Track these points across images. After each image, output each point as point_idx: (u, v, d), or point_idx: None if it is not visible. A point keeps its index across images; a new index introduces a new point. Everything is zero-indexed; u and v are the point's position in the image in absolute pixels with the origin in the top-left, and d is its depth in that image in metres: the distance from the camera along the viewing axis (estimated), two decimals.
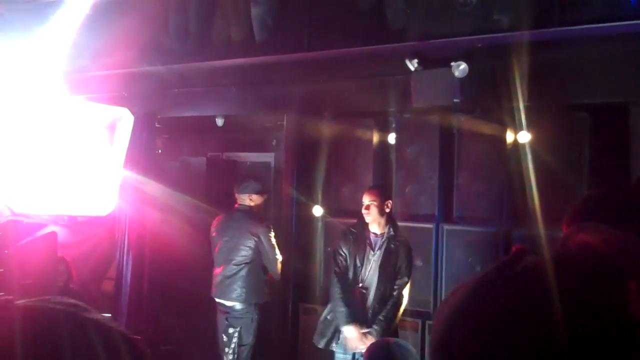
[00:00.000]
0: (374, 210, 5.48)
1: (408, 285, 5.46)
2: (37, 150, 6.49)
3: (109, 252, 8.16)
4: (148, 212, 7.54)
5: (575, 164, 5.54)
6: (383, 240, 5.51)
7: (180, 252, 7.35)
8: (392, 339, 4.79)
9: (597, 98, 5.40)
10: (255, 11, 6.49)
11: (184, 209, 7.56)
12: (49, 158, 6.59)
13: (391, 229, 5.53)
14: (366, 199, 5.52)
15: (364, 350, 5.37)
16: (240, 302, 6.35)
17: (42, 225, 6.20)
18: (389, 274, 5.43)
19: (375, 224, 5.55)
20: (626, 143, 5.53)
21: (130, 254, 7.64)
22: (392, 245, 5.47)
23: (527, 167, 5.50)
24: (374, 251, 5.52)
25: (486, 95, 5.64)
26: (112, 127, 7.17)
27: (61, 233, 7.10)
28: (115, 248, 7.86)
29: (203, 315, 7.56)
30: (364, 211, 5.52)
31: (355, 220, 5.69)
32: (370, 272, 5.51)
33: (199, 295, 7.42)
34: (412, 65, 5.67)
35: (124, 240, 7.67)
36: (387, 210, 5.53)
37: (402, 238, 5.53)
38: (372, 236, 5.56)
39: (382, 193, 5.57)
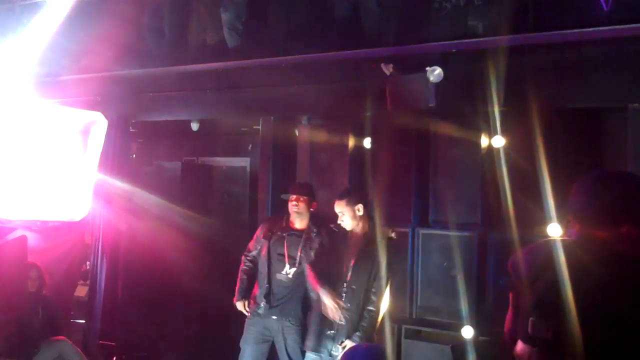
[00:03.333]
0: (346, 219, 5.49)
1: (385, 289, 5.41)
2: (8, 155, 6.41)
3: (82, 258, 8.07)
4: (122, 217, 7.47)
5: (549, 169, 5.58)
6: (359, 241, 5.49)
7: (155, 258, 7.29)
8: (366, 344, 4.79)
9: (571, 102, 5.45)
10: (224, 17, 6.49)
11: (159, 214, 7.50)
12: (21, 163, 6.51)
13: (368, 231, 5.50)
14: (336, 209, 5.54)
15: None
16: None
17: (12, 230, 6.12)
18: (364, 275, 5.39)
19: (354, 228, 5.54)
20: (600, 146, 5.59)
21: (105, 259, 7.56)
22: (369, 248, 5.42)
23: (502, 171, 5.53)
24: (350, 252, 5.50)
25: (461, 99, 5.66)
26: (85, 132, 7.11)
27: (33, 238, 7.01)
28: (89, 253, 7.78)
29: (178, 321, 7.50)
30: (339, 222, 5.53)
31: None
32: (350, 273, 5.46)
33: (175, 301, 7.37)
34: (388, 70, 5.68)
35: (98, 245, 7.59)
36: (360, 213, 5.49)
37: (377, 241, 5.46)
38: (350, 235, 5.56)
39: (350, 201, 5.51)
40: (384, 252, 5.38)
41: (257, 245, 6.13)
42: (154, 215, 7.45)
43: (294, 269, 5.93)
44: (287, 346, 5.89)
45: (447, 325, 5.86)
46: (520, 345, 1.54)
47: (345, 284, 5.43)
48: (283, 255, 5.97)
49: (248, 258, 6.16)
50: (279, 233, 6.05)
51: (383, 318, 5.47)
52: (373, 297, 5.37)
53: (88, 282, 7.82)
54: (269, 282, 5.97)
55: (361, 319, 5.36)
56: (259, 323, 6.00)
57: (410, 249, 6.20)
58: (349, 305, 5.37)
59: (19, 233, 6.71)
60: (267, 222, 6.28)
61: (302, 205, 5.98)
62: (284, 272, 5.95)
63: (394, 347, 6.09)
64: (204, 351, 7.41)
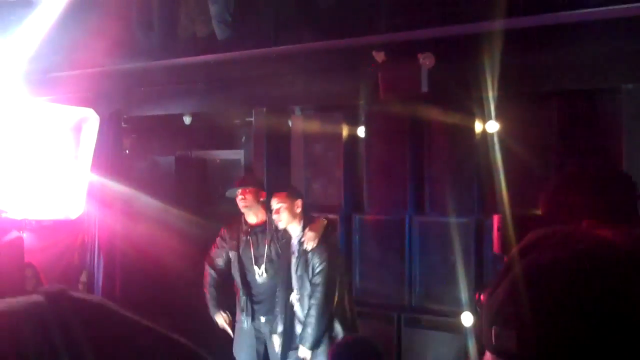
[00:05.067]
0: (284, 214, 5.27)
1: (328, 283, 5.18)
2: (0, 154, 6.39)
3: (79, 257, 8.07)
4: (118, 214, 7.46)
5: (543, 152, 5.60)
6: (297, 244, 5.32)
7: (152, 256, 7.29)
8: (351, 337, 4.80)
9: (564, 85, 5.46)
10: (213, 9, 6.47)
11: (154, 211, 7.49)
12: (13, 161, 6.50)
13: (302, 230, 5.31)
14: (274, 203, 5.31)
15: None
16: None
17: (7, 231, 6.11)
18: (305, 279, 5.22)
19: (290, 227, 5.35)
20: (595, 130, 5.60)
21: (102, 258, 7.56)
22: (302, 249, 5.26)
23: (497, 156, 5.54)
24: (295, 256, 5.34)
25: (454, 85, 5.67)
26: (77, 129, 7.09)
27: (28, 238, 7.00)
28: (84, 252, 7.78)
29: (177, 320, 7.51)
30: (274, 216, 5.32)
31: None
32: (295, 279, 5.33)
33: (173, 300, 7.36)
34: (379, 57, 5.68)
35: (94, 244, 7.59)
36: (298, 210, 5.30)
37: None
38: (292, 241, 5.41)
39: (291, 194, 5.34)
40: (323, 253, 5.18)
41: (223, 254, 5.87)
42: (149, 212, 7.44)
43: (264, 268, 5.69)
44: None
45: (447, 312, 5.89)
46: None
47: (295, 291, 5.34)
48: (251, 258, 5.74)
49: (215, 270, 5.90)
50: (243, 238, 5.78)
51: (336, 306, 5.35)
52: (313, 297, 5.16)
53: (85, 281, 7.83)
54: (247, 293, 5.76)
55: (306, 321, 5.22)
56: (248, 330, 5.84)
57: (408, 236, 6.22)
58: (299, 314, 5.30)
59: (14, 234, 6.70)
60: (227, 230, 5.91)
61: (249, 197, 5.67)
62: (257, 275, 5.72)
63: (394, 336, 6.12)
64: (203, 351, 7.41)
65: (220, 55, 6.67)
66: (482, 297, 2.04)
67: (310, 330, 5.14)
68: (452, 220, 5.90)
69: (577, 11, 5.02)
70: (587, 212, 2.09)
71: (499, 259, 4.61)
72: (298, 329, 5.33)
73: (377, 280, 6.38)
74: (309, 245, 5.20)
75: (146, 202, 7.51)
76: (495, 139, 5.60)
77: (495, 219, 2.71)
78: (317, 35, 6.18)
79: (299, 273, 5.26)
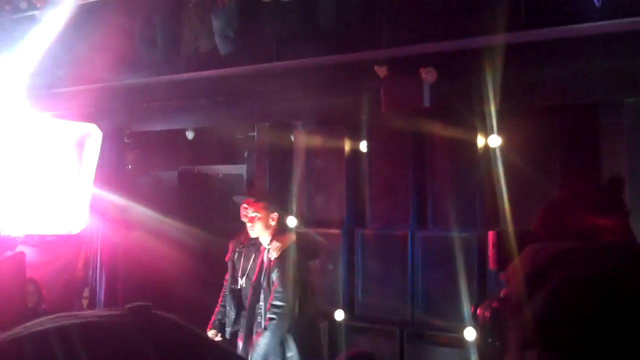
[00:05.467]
0: (258, 224, 5.24)
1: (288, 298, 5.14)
2: (3, 169, 6.41)
3: (81, 272, 8.07)
4: (120, 229, 7.47)
5: (546, 166, 5.60)
6: (266, 255, 5.30)
7: (154, 271, 7.29)
8: (354, 351, 4.78)
9: (566, 99, 5.47)
10: (216, 24, 6.50)
11: (157, 226, 7.50)
12: (16, 177, 6.51)
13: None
14: (250, 211, 5.28)
15: None
16: None
17: (10, 246, 6.11)
18: (267, 292, 5.19)
19: (262, 238, 5.31)
20: (596, 144, 5.60)
21: (103, 272, 7.57)
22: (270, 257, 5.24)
23: (499, 171, 5.54)
24: (263, 268, 5.32)
25: (456, 99, 5.68)
26: (80, 144, 7.11)
27: (30, 253, 7.01)
28: (87, 267, 7.78)
29: None
30: (248, 224, 5.30)
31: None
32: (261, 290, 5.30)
33: (176, 313, 7.34)
34: (382, 72, 5.70)
35: (96, 258, 7.59)
36: (273, 223, 5.25)
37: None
38: (261, 251, 5.38)
39: (268, 206, 5.28)
40: (282, 267, 5.15)
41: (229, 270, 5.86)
42: (152, 227, 7.44)
43: (244, 279, 5.65)
44: None
45: (449, 328, 5.87)
46: None
47: (261, 302, 5.31)
48: (239, 269, 5.73)
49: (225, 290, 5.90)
50: (237, 249, 5.79)
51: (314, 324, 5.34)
52: (269, 315, 5.12)
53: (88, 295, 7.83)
54: (229, 303, 5.76)
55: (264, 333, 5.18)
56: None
57: (410, 251, 6.21)
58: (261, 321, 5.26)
59: (17, 249, 6.71)
60: (231, 242, 5.95)
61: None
62: (239, 286, 5.70)
63: (396, 351, 6.10)
64: None
65: (223, 71, 6.70)
66: (478, 311, 2.04)
67: (262, 344, 5.10)
68: (455, 235, 5.89)
69: (578, 25, 5.04)
70: (579, 231, 2.11)
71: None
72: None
73: (379, 295, 6.36)
74: (272, 255, 5.19)
75: (148, 216, 7.52)
76: (498, 154, 5.60)
77: (490, 235, 2.70)
78: (320, 50, 6.21)
79: (264, 285, 5.24)
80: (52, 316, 0.86)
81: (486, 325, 2.00)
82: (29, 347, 0.77)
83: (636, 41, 4.94)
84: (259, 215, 5.23)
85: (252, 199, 5.38)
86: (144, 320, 0.83)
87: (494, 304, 1.99)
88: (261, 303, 5.29)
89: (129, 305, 0.86)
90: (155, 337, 0.81)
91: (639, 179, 5.04)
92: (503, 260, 2.46)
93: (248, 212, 5.31)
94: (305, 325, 5.26)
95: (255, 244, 5.62)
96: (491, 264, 2.53)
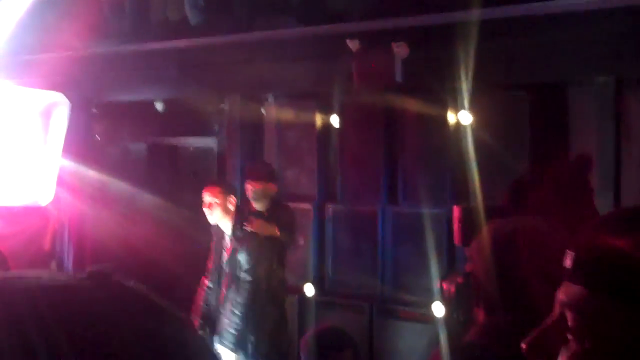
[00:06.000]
0: (216, 210, 5.22)
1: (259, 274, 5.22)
2: None
3: (49, 244, 7.98)
4: (88, 201, 7.38)
5: (516, 144, 5.62)
6: (229, 240, 5.31)
7: (123, 243, 7.23)
8: (324, 327, 4.81)
9: (537, 78, 5.48)
10: None
11: (126, 198, 7.43)
12: None
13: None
14: (207, 197, 5.24)
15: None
16: None
17: None
18: (235, 274, 5.22)
19: (223, 224, 5.31)
20: (566, 122, 5.62)
21: (71, 245, 7.49)
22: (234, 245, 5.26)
23: (469, 148, 5.55)
24: (225, 254, 5.35)
25: (429, 75, 5.66)
26: (47, 114, 6.97)
27: None
28: (55, 239, 7.69)
29: None
30: (205, 210, 5.27)
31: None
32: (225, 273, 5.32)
33: (142, 284, 7.31)
34: (354, 45, 5.65)
35: (64, 231, 7.51)
36: (232, 207, 5.25)
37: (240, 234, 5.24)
38: (225, 237, 5.37)
39: (225, 189, 5.29)
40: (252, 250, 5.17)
41: None
42: (120, 199, 7.37)
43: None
44: None
45: (418, 303, 5.90)
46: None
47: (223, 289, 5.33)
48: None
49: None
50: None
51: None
52: (239, 300, 5.18)
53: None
54: None
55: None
56: None
57: (381, 227, 6.22)
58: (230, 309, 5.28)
59: None
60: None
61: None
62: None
63: (366, 325, 6.13)
64: None
65: (193, 41, 6.60)
66: (444, 285, 2.05)
67: (232, 331, 5.13)
68: (425, 211, 5.90)
69: (550, 3, 5.02)
70: (542, 208, 2.12)
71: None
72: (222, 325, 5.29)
73: (349, 270, 6.38)
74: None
75: (117, 189, 7.44)
76: (469, 131, 5.61)
77: (456, 210, 2.69)
78: (291, 23, 6.14)
79: (227, 270, 5.23)
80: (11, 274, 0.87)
81: (451, 299, 2.01)
82: None
83: (607, 20, 4.94)
84: (216, 200, 5.18)
85: (217, 187, 5.31)
86: (102, 285, 0.83)
87: (459, 279, 1.99)
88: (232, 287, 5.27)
89: (88, 270, 0.87)
90: (112, 302, 0.81)
91: (607, 159, 5.08)
92: (468, 235, 2.46)
93: (205, 198, 5.22)
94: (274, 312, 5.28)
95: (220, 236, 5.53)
96: (456, 239, 2.54)
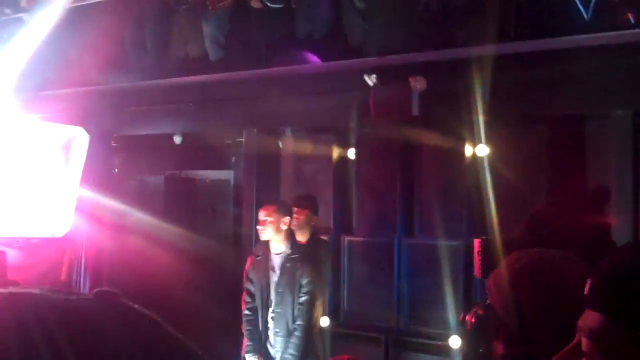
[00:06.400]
0: (269, 228, 5.29)
1: (316, 303, 5.28)
2: None
3: (65, 276, 8.02)
4: (105, 233, 7.44)
5: (533, 176, 5.63)
6: (281, 260, 5.33)
7: (139, 275, 7.26)
8: (344, 357, 4.80)
9: (554, 110, 5.51)
10: (206, 30, 6.51)
11: (143, 230, 7.47)
12: (1, 178, 6.48)
13: (289, 247, 5.32)
14: (261, 215, 5.35)
15: None
16: None
17: None
18: (287, 295, 5.23)
19: (273, 243, 5.36)
20: (583, 155, 5.64)
21: (88, 276, 7.53)
22: (288, 264, 5.28)
23: (486, 180, 5.57)
24: (275, 273, 5.35)
25: (445, 109, 5.71)
26: (67, 147, 7.08)
27: (15, 256, 6.96)
28: (72, 271, 7.73)
29: None
30: (258, 227, 5.38)
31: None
32: (274, 296, 5.33)
33: (158, 314, 7.32)
34: (371, 80, 5.72)
35: (81, 262, 7.55)
36: (284, 227, 5.31)
37: (299, 255, 5.30)
38: (272, 257, 5.39)
39: (279, 209, 5.36)
40: (303, 267, 5.24)
41: None
42: (137, 231, 7.42)
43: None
44: None
45: (435, 336, 5.88)
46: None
47: (271, 309, 5.33)
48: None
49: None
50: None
51: (318, 329, 5.40)
52: (298, 316, 5.20)
53: None
54: None
55: (289, 340, 5.22)
56: None
57: (397, 259, 6.22)
58: (277, 330, 5.28)
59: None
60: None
61: (301, 218, 5.71)
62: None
63: (381, 357, 6.10)
64: None
65: (212, 76, 6.71)
66: (467, 317, 2.06)
67: (292, 351, 5.15)
68: (442, 243, 5.91)
69: (567, 37, 5.08)
70: (559, 240, 2.14)
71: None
72: (272, 348, 5.31)
73: (365, 302, 6.37)
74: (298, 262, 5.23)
75: (134, 220, 7.50)
76: (485, 163, 5.63)
77: (476, 243, 2.72)
78: (309, 58, 6.23)
79: (280, 290, 5.25)
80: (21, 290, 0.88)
81: (472, 331, 2.02)
82: None
83: (625, 54, 4.98)
84: (270, 219, 5.28)
85: (272, 206, 5.40)
86: (108, 305, 0.86)
87: (480, 311, 2.01)
88: (272, 312, 5.31)
89: (95, 290, 0.89)
90: (117, 320, 0.84)
91: (625, 191, 5.08)
92: (487, 267, 2.48)
93: (259, 215, 5.37)
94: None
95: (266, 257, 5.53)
96: (476, 272, 2.56)
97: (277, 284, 5.29)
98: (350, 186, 6.63)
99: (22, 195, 6.70)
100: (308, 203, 5.82)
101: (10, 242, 6.98)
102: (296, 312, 5.20)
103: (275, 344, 5.29)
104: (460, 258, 5.85)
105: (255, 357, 5.32)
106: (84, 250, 7.54)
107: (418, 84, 5.56)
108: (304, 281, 5.20)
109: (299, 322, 5.18)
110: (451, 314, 5.67)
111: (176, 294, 7.06)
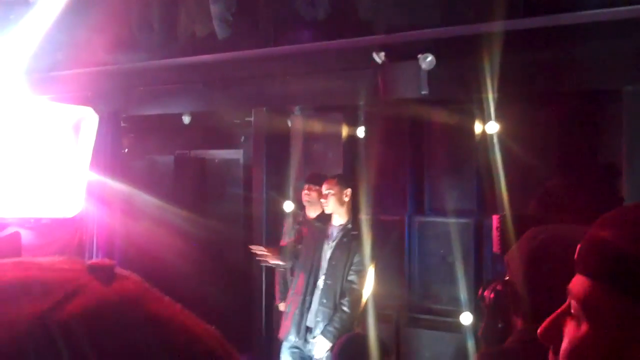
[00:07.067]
0: (331, 200, 5.47)
1: (366, 283, 5.37)
2: None
3: (77, 256, 8.05)
4: (116, 213, 7.46)
5: (544, 153, 5.61)
6: (339, 232, 5.48)
7: (150, 256, 7.28)
8: (358, 333, 4.84)
9: (565, 87, 5.46)
10: (213, 8, 6.46)
11: (153, 210, 7.49)
12: (12, 159, 6.49)
13: (351, 221, 5.49)
14: (324, 188, 5.54)
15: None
16: None
17: (4, 227, 6.10)
18: (339, 269, 5.35)
19: (336, 215, 5.53)
20: (595, 132, 5.61)
21: (99, 257, 7.56)
22: (345, 239, 5.41)
23: (496, 158, 5.55)
24: (329, 244, 5.49)
25: (454, 87, 5.67)
26: (76, 128, 7.07)
27: (27, 236, 6.98)
28: (83, 250, 7.76)
29: None
30: (322, 200, 5.54)
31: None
32: (326, 267, 5.45)
33: (173, 299, 7.36)
34: (379, 58, 5.68)
35: (92, 242, 7.58)
36: (346, 199, 5.49)
37: (356, 232, 5.43)
38: (332, 228, 5.54)
39: (341, 181, 5.54)
40: (366, 245, 5.33)
41: None
42: (148, 211, 7.44)
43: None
44: None
45: (446, 312, 5.90)
46: None
47: (321, 278, 5.41)
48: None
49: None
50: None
51: (365, 308, 5.45)
52: (347, 292, 5.32)
53: None
54: None
55: (335, 313, 5.32)
56: None
57: (407, 237, 6.23)
58: (324, 300, 5.35)
59: (11, 230, 6.69)
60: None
61: (313, 194, 5.97)
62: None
63: (392, 336, 6.12)
64: None
65: (220, 55, 6.66)
66: (485, 293, 2.06)
67: (337, 325, 5.24)
68: (452, 220, 5.90)
69: (577, 13, 5.02)
70: (570, 216, 2.13)
71: (499, 259, 4.62)
72: (311, 315, 5.39)
73: (375, 280, 6.38)
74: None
75: (145, 200, 7.51)
76: (495, 140, 5.61)
77: (495, 219, 2.73)
78: (318, 36, 6.18)
79: (333, 262, 5.33)
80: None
81: (490, 307, 2.02)
82: None
83: (636, 29, 4.93)
84: (332, 191, 5.46)
85: (333, 179, 5.62)
86: (102, 276, 0.81)
87: (499, 287, 2.01)
88: (323, 281, 5.39)
89: (88, 262, 0.84)
90: (111, 292, 0.79)
91: (637, 167, 5.05)
92: (506, 243, 2.48)
93: (322, 189, 5.54)
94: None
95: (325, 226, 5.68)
96: (495, 247, 2.56)
97: (331, 255, 5.38)
98: (360, 165, 6.62)
99: (33, 175, 6.70)
100: (320, 180, 5.94)
101: (22, 223, 7.00)
102: (344, 287, 5.28)
103: (318, 313, 5.35)
104: (470, 235, 5.85)
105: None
106: (95, 231, 7.56)
107: (427, 61, 5.51)
108: (357, 259, 5.25)
109: (347, 298, 5.27)
110: (462, 291, 5.68)
111: (187, 275, 7.09)
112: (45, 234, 7.59)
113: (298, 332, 5.44)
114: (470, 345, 5.55)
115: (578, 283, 1.12)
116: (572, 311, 1.12)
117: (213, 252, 7.62)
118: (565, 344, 1.13)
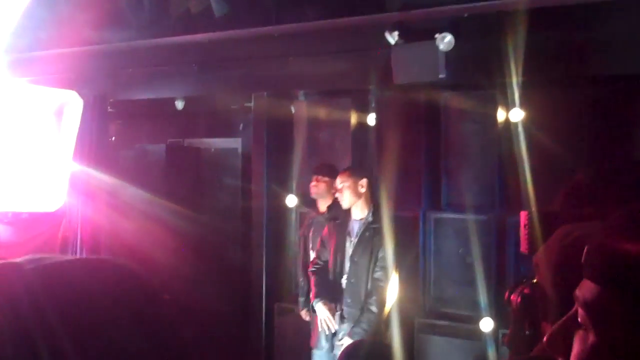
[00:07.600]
0: (346, 193, 5.52)
1: (392, 280, 5.44)
2: None
3: (60, 253, 8.08)
4: (102, 207, 7.47)
5: (573, 143, 5.60)
6: (360, 227, 5.54)
7: (140, 252, 7.30)
8: (367, 339, 4.88)
9: (596, 71, 5.45)
10: None
11: (142, 204, 7.50)
12: None
13: (370, 214, 5.55)
14: (338, 182, 5.60)
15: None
16: None
17: None
18: (363, 266, 5.42)
19: (355, 209, 5.59)
20: (627, 118, 5.60)
21: (84, 254, 7.58)
22: (367, 233, 5.48)
23: (521, 148, 5.55)
24: (351, 240, 5.55)
25: (475, 70, 5.67)
26: (59, 113, 7.09)
27: (5, 232, 7.02)
28: (66, 248, 7.79)
29: None
30: (337, 195, 5.61)
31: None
32: (349, 265, 5.52)
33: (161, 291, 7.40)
34: (393, 38, 5.67)
35: (76, 239, 7.60)
36: (362, 190, 5.54)
37: (377, 226, 5.50)
38: (352, 222, 5.61)
39: (354, 172, 5.60)
40: (388, 239, 5.39)
41: None
42: (137, 205, 7.45)
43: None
44: None
45: (464, 318, 5.91)
46: None
47: (344, 277, 5.47)
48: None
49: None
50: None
51: (391, 310, 5.51)
52: (374, 291, 5.39)
53: None
54: None
55: (362, 313, 5.39)
56: None
57: (422, 234, 6.24)
58: (349, 300, 5.41)
59: None
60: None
61: (321, 185, 6.07)
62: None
63: (406, 343, 6.14)
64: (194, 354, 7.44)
65: (216, 34, 6.66)
66: (512, 297, 2.07)
67: (365, 327, 5.31)
68: (471, 217, 5.91)
69: None
70: (604, 212, 2.13)
71: (524, 259, 4.63)
72: (336, 319, 5.48)
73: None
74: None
75: (134, 194, 7.52)
76: (520, 129, 5.61)
77: (523, 215, 2.73)
78: (324, 13, 6.18)
79: (355, 259, 5.37)
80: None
81: (517, 312, 2.03)
82: None
83: None
84: (346, 184, 5.52)
85: (346, 171, 5.70)
86: (95, 266, 0.92)
87: (526, 290, 2.02)
88: (346, 279, 5.47)
89: (84, 257, 0.97)
90: (104, 279, 0.90)
91: None
92: (535, 242, 2.49)
93: (336, 183, 5.61)
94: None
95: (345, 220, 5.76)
96: (523, 247, 2.56)
97: (353, 252, 5.45)
98: (370, 155, 6.63)
99: (10, 166, 6.73)
100: (329, 171, 6.04)
101: (0, 218, 7.03)
102: (371, 286, 5.35)
103: (345, 314, 5.44)
104: (492, 233, 5.85)
105: (324, 304, 5.50)
106: (79, 227, 7.58)
107: (444, 42, 5.50)
108: (381, 254, 5.31)
109: (374, 297, 5.33)
110: (482, 295, 5.69)
111: (177, 272, 7.12)
112: (24, 229, 7.62)
113: (326, 337, 5.52)
114: (491, 354, 5.56)
115: (586, 290, 1.13)
116: (580, 319, 1.14)
117: (208, 250, 7.64)
118: (573, 356, 1.15)
